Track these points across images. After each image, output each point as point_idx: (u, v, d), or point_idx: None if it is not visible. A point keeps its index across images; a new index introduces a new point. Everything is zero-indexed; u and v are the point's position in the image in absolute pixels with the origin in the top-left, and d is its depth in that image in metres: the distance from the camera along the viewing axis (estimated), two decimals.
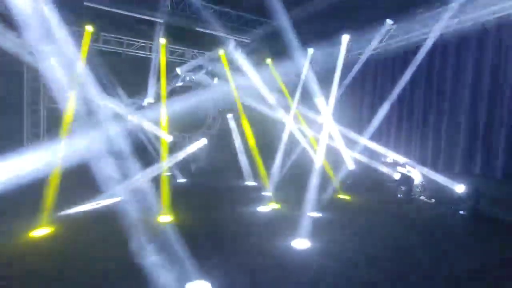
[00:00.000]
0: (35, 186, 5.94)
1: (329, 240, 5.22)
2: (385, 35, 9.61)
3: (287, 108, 12.33)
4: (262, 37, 11.05)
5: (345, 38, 9.35)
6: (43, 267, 3.98)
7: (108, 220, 5.95)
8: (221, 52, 12.03)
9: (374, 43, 9.66)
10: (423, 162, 9.07)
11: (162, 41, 10.87)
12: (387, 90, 10.06)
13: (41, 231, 5.19)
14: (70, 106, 8.06)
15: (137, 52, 11.34)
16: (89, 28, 9.64)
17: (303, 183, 10.02)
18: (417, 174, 8.90)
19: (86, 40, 9.57)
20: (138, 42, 11.33)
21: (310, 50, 12.34)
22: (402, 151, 9.80)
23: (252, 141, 10.72)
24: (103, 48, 10.64)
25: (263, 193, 8.69)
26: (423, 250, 4.92)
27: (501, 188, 6.92)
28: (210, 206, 7.58)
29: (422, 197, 8.55)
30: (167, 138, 11.20)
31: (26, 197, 6.43)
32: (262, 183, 9.17)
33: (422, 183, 8.82)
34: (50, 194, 6.10)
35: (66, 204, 6.39)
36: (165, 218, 6.21)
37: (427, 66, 8.95)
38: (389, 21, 8.71)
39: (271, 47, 11.44)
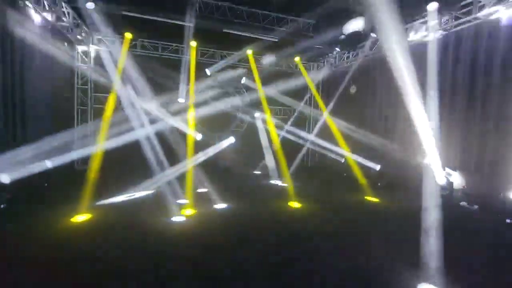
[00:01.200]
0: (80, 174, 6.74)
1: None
2: None
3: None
4: (290, 35, 10.94)
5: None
6: (84, 247, 4.51)
7: (140, 210, 6.50)
8: (249, 52, 12.24)
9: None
10: (464, 165, 8.19)
11: (193, 43, 11.43)
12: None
13: (81, 217, 5.83)
14: (110, 106, 8.90)
15: (170, 56, 12.01)
16: (128, 35, 10.55)
17: (329, 183, 9.80)
18: (457, 178, 8.10)
19: (125, 46, 10.49)
20: (171, 45, 11.99)
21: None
22: (441, 152, 8.96)
23: (277, 141, 10.75)
24: (140, 53, 11.49)
25: (286, 191, 8.61)
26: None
27: None
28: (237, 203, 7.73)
29: (463, 203, 7.75)
30: (196, 136, 11.77)
31: (69, 186, 7.30)
32: (287, 182, 9.13)
33: (463, 187, 8.00)
34: (90, 184, 6.85)
35: (104, 195, 7.05)
36: (188, 211, 6.53)
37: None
38: None
39: (300, 45, 11.30)
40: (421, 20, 8.63)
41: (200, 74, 11.89)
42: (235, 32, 10.71)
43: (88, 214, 5.98)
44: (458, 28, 8.07)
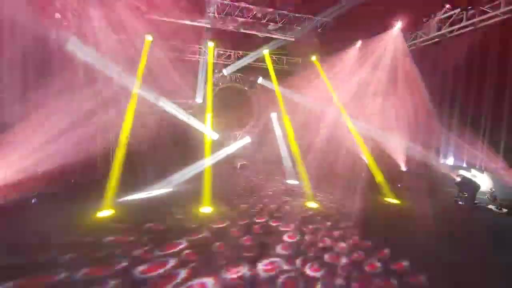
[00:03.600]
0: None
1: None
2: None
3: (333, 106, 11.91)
4: (307, 34, 10.86)
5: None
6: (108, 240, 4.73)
7: (159, 207, 6.70)
8: (265, 51, 12.26)
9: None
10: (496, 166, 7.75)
11: (210, 44, 11.60)
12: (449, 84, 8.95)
13: (105, 213, 6.08)
14: (131, 106, 9.20)
15: (189, 57, 12.25)
16: (148, 38, 10.84)
17: (347, 184, 9.61)
18: (485, 179, 7.71)
19: (146, 48, 10.79)
20: (189, 46, 12.22)
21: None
22: (466, 153, 8.57)
23: (293, 141, 10.68)
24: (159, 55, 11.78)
25: (302, 192, 8.54)
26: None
27: None
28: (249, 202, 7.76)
29: (490, 206, 7.37)
30: (213, 136, 11.95)
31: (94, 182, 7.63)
32: (303, 182, 9.05)
33: (491, 190, 7.60)
34: (113, 182, 7.12)
35: (125, 192, 7.32)
36: (206, 209, 6.63)
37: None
38: None
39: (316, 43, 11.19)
40: None
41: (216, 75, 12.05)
42: (252, 32, 10.79)
43: (112, 209, 6.24)
44: None
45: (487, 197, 7.64)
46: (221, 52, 12.72)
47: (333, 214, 6.63)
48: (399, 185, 9.37)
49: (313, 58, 12.92)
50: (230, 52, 12.87)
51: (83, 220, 5.64)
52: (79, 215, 5.83)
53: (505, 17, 7.24)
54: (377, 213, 6.94)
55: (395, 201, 8.02)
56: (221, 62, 12.78)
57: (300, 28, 10.40)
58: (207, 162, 9.04)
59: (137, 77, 9.80)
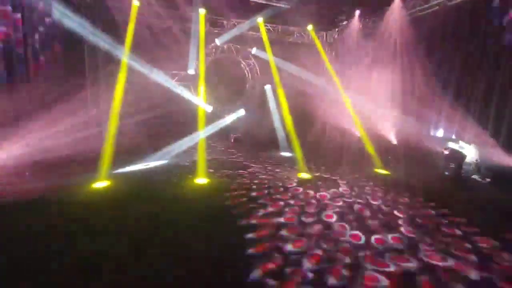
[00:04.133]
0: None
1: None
2: None
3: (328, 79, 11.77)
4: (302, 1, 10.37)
5: None
6: (103, 210, 4.87)
7: (154, 179, 6.82)
8: (259, 20, 11.74)
9: None
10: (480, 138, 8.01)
11: (202, 11, 10.98)
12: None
13: (101, 184, 6.17)
14: (121, 76, 8.93)
15: (180, 25, 11.58)
16: (135, 2, 10.16)
17: (340, 156, 9.84)
18: (471, 151, 7.96)
19: (133, 14, 10.16)
20: (181, 14, 11.48)
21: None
22: (456, 125, 8.77)
23: (287, 113, 10.65)
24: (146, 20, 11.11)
25: (296, 164, 8.73)
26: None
27: None
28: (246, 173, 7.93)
29: (474, 176, 7.71)
30: (207, 108, 11.80)
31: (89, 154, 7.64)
32: (296, 154, 9.20)
33: (476, 161, 7.89)
34: (107, 154, 7.13)
35: (120, 164, 7.38)
36: (201, 180, 6.78)
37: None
38: None
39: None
40: None
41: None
42: None
43: (107, 181, 6.33)
44: None
45: (472, 167, 7.95)
46: (213, 20, 12.12)
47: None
48: (389, 157, 9.63)
49: (309, 27, 12.50)
50: (223, 20, 12.27)
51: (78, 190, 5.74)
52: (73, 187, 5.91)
53: None
54: (368, 182, 7.21)
55: (384, 172, 8.32)
56: (214, 31, 12.24)
57: None
58: (201, 134, 9.04)
59: (126, 45, 9.39)
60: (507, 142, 7.44)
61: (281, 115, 11.39)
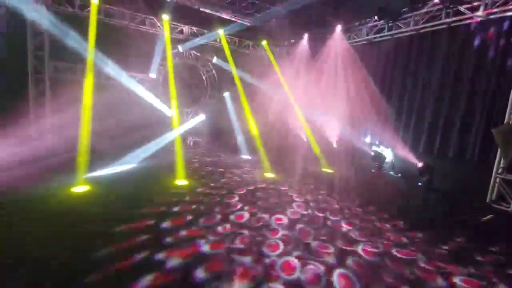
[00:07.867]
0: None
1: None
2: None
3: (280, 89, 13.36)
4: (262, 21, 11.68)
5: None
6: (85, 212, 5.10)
7: (128, 181, 7.05)
8: (221, 32, 12.60)
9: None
10: (396, 144, 10.64)
11: (165, 17, 11.20)
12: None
13: (80, 188, 6.17)
14: (87, 79, 8.66)
15: (139, 27, 11.47)
16: (94, 1, 9.82)
17: (294, 158, 11.49)
18: (388, 153, 10.56)
19: (93, 13, 9.78)
20: (140, 16, 11.42)
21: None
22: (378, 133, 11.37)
23: (250, 119, 11.82)
24: (107, 21, 10.77)
25: (259, 165, 9.94)
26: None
27: (451, 166, 8.65)
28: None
29: (391, 172, 10.27)
30: (168, 112, 12.00)
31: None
32: (258, 156, 10.41)
33: (392, 161, 10.51)
34: (82, 159, 7.02)
35: (93, 168, 7.32)
36: (181, 181, 7.33)
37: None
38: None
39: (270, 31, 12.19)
40: None
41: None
42: (209, 12, 10.99)
43: (86, 185, 6.34)
44: None
45: (389, 165, 10.55)
46: (173, 26, 12.38)
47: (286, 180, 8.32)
48: (331, 158, 11.75)
49: (264, 42, 13.95)
50: (182, 26, 12.62)
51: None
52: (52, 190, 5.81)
53: (412, 33, 9.79)
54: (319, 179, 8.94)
55: (329, 170, 10.29)
56: (174, 36, 12.49)
57: (259, 15, 11.06)
58: (173, 137, 9.42)
59: (89, 43, 9.06)
60: (413, 146, 10.14)
61: (242, 121, 12.46)
